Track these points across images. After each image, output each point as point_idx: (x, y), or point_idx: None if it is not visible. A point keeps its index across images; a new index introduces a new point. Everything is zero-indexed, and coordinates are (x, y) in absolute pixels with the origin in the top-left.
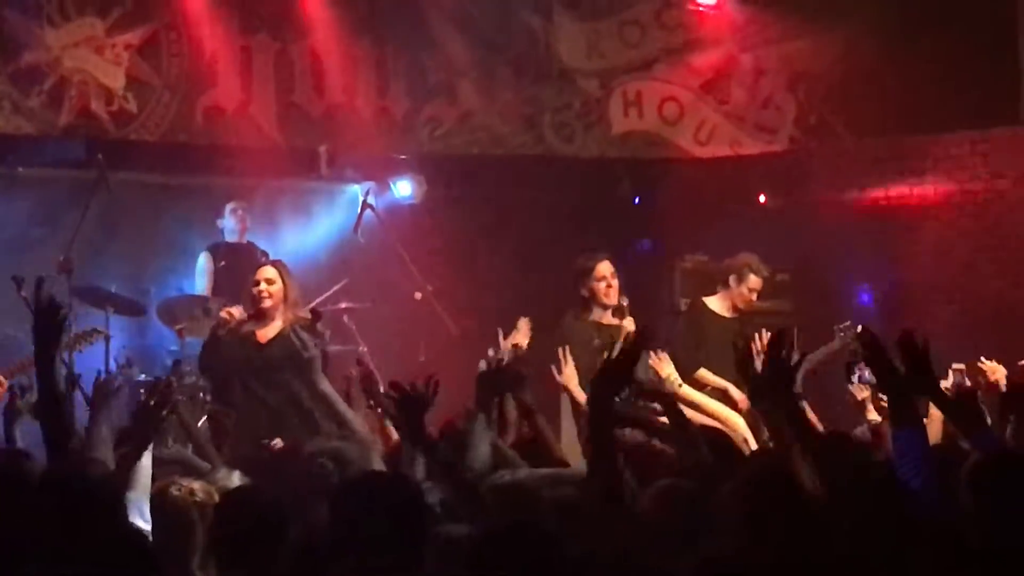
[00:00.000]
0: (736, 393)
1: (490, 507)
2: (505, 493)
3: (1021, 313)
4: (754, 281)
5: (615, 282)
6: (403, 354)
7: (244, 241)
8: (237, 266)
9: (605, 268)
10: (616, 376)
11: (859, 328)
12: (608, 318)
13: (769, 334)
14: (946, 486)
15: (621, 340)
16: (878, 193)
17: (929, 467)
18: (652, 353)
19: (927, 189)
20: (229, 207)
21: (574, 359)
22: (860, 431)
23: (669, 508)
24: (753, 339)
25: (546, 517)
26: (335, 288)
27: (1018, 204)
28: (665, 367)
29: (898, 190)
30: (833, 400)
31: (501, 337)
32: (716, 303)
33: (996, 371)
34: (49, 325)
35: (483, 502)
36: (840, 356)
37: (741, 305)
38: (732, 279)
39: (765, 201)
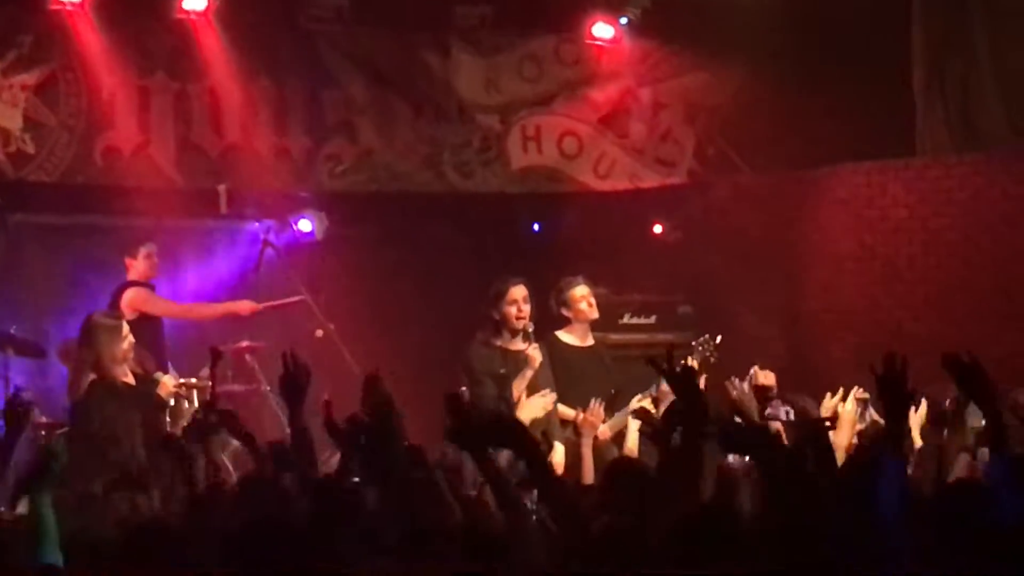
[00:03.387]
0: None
1: None
2: None
3: (920, 344)
4: (575, 292)
5: (526, 307)
6: (307, 393)
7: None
8: None
9: (518, 292)
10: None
11: (717, 339)
12: (516, 344)
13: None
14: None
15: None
16: (778, 224)
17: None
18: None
19: (825, 220)
20: (143, 250)
21: (479, 384)
22: None
23: None
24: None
25: None
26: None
27: (915, 234)
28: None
29: (797, 221)
30: None
31: None
32: (566, 334)
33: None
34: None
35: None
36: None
37: (583, 319)
38: (561, 303)
39: (661, 232)
